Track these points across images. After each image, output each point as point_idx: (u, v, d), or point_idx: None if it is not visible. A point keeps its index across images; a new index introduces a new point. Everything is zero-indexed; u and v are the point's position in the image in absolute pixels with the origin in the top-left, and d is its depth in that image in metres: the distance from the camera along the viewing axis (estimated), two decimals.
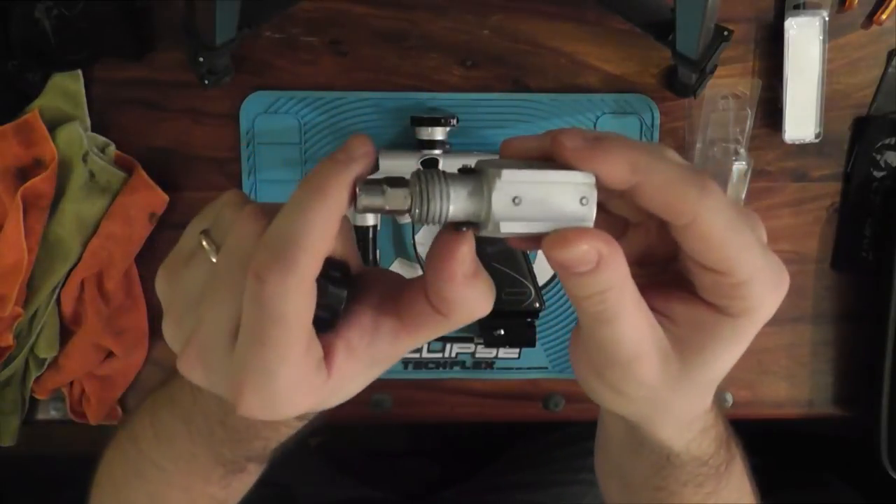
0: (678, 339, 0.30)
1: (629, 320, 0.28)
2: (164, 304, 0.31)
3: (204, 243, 0.29)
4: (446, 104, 0.68)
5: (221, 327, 0.28)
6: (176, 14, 0.66)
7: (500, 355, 0.71)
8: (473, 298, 0.28)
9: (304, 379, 0.27)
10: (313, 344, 0.27)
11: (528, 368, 0.71)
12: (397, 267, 0.69)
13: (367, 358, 0.29)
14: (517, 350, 0.71)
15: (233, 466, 0.42)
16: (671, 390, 0.31)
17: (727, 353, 0.30)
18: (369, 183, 0.27)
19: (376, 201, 0.26)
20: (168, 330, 0.31)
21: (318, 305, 0.27)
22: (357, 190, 0.26)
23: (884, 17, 0.68)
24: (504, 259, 0.67)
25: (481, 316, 0.28)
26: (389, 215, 0.27)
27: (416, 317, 0.29)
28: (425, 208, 0.26)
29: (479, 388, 0.72)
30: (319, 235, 0.25)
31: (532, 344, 0.69)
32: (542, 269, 0.69)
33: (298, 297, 0.25)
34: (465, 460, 0.93)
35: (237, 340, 0.27)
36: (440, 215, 0.26)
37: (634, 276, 0.28)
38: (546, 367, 0.71)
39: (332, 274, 0.28)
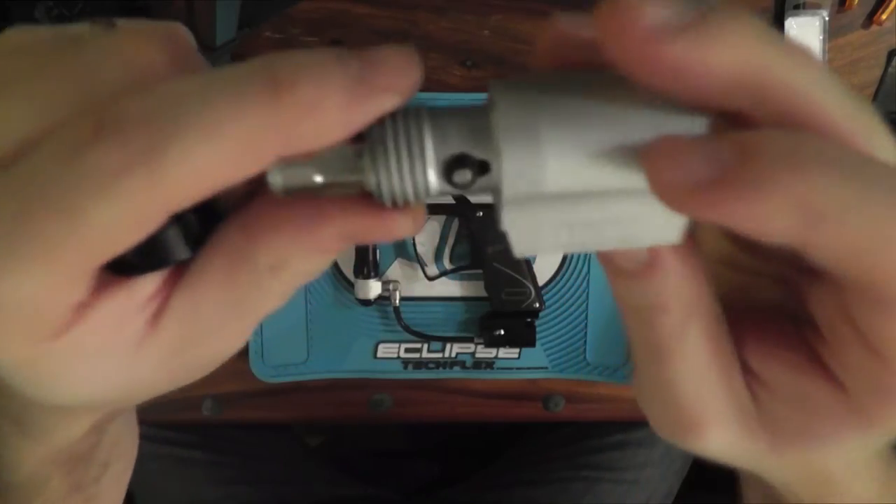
0: (771, 413, 0.20)
1: (689, 366, 0.19)
2: None
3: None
4: (446, 104, 0.67)
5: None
6: (176, 14, 0.66)
7: (500, 355, 0.71)
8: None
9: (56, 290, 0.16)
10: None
11: (528, 368, 0.71)
12: (397, 267, 0.69)
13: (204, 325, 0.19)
14: (517, 350, 0.71)
15: None
16: (767, 464, 0.21)
17: (846, 452, 0.20)
18: (290, 173, 0.17)
19: (302, 174, 0.17)
20: None
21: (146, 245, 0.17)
22: (269, 178, 0.17)
23: (884, 17, 0.68)
24: (504, 259, 0.67)
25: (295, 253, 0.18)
26: (335, 194, 0.17)
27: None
28: (393, 180, 0.17)
29: (479, 388, 0.72)
30: (234, 167, 0.16)
31: (532, 344, 0.69)
32: (542, 269, 0.69)
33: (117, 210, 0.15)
34: (465, 460, 0.93)
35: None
36: (416, 189, 0.17)
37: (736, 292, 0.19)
38: (546, 367, 0.71)
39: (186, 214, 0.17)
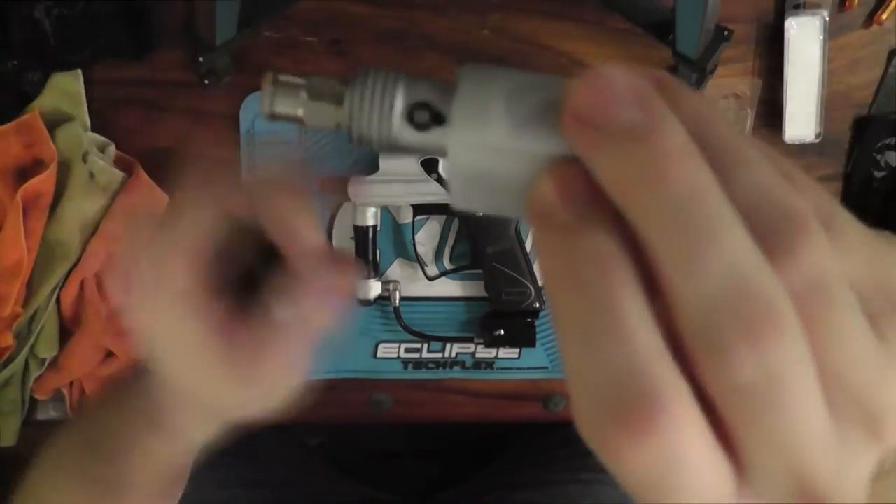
0: None
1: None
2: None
3: None
4: None
5: None
6: (176, 14, 0.66)
7: (500, 355, 0.71)
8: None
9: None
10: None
11: (528, 368, 0.71)
12: (397, 267, 0.69)
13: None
14: (517, 350, 0.71)
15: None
16: None
17: None
18: (285, 82, 0.22)
19: (290, 106, 0.22)
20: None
21: None
22: (265, 84, 0.22)
23: (884, 16, 0.68)
24: (504, 259, 0.67)
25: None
26: (307, 127, 0.22)
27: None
28: (364, 110, 0.21)
29: (479, 388, 0.72)
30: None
31: (532, 344, 0.69)
32: None
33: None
34: (465, 460, 0.93)
35: None
36: (381, 123, 0.21)
37: None
38: (546, 367, 0.71)
39: None
